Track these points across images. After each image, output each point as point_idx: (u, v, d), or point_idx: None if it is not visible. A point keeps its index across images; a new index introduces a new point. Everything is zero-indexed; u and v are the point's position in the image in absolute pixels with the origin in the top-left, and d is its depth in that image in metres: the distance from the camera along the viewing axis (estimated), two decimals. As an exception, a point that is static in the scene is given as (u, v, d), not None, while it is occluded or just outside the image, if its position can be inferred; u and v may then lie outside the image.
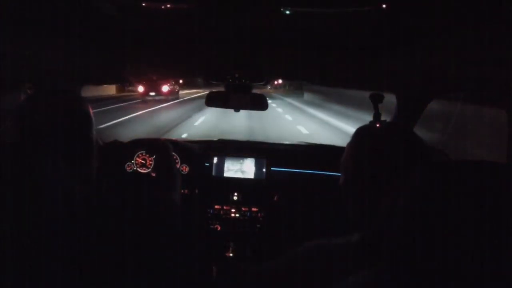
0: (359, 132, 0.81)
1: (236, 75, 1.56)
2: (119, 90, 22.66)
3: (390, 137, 0.75)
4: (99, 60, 1.32)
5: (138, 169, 1.89)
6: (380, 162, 0.72)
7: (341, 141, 1.38)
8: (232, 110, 1.73)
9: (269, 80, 1.81)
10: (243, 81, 1.60)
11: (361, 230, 0.77)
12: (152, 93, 16.34)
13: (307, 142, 2.32)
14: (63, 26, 0.96)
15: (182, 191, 1.80)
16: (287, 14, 0.94)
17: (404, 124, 1.43)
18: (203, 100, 1.78)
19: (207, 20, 1.04)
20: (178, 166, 1.88)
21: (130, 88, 21.50)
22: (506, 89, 0.83)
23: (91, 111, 0.83)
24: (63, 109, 0.76)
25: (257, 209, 1.85)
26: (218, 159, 1.92)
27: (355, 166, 0.77)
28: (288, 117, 12.47)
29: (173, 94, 18.61)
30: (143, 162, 1.90)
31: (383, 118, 1.40)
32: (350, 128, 7.43)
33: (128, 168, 1.89)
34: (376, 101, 1.43)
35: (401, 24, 0.93)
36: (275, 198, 1.85)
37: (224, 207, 1.86)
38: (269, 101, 2.26)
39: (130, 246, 0.75)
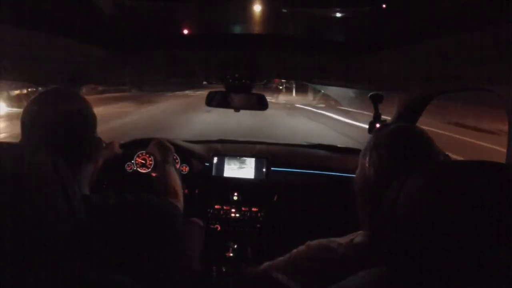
0: (375, 133, 0.82)
1: (236, 75, 1.55)
2: None
3: (391, 137, 0.75)
4: (99, 60, 1.32)
5: (138, 169, 1.89)
6: (382, 162, 0.72)
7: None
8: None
9: (269, 80, 1.81)
10: (243, 81, 1.59)
11: (362, 230, 0.77)
12: None
13: (307, 142, 2.31)
14: (64, 26, 0.96)
15: (182, 190, 1.81)
16: (287, 14, 0.95)
17: (405, 124, 1.43)
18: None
19: (207, 20, 1.04)
20: (178, 166, 1.88)
21: None
22: (506, 89, 0.83)
23: (93, 111, 0.83)
24: (64, 110, 0.76)
25: (257, 209, 1.85)
26: (218, 159, 1.92)
27: (367, 166, 0.77)
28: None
29: None
30: (143, 162, 1.90)
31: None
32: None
33: (128, 168, 1.89)
34: (376, 101, 1.43)
35: (401, 24, 0.93)
36: (275, 198, 1.85)
37: (224, 207, 1.86)
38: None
39: (130, 246, 0.75)
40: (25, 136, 0.74)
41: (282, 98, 20.41)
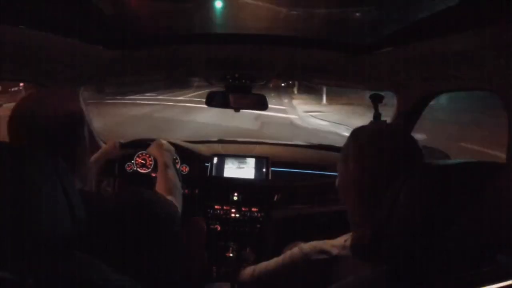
0: (355, 133, 0.79)
1: (236, 75, 1.55)
2: None
3: (385, 137, 0.74)
4: (99, 60, 1.32)
5: (138, 169, 1.89)
6: (377, 162, 0.71)
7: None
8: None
9: (269, 80, 1.81)
10: (243, 81, 1.59)
11: (361, 230, 0.76)
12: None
13: (307, 142, 2.31)
14: (64, 26, 0.96)
15: (182, 191, 1.81)
16: (287, 14, 0.95)
17: (404, 124, 1.43)
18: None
19: (207, 19, 1.04)
20: (178, 166, 1.88)
21: None
22: (506, 89, 0.83)
23: (84, 110, 0.83)
24: (62, 110, 0.76)
25: (257, 209, 1.85)
26: (218, 159, 1.92)
27: (354, 167, 0.76)
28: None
29: None
30: (143, 162, 1.90)
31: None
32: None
33: (128, 168, 1.89)
34: (376, 101, 1.43)
35: (401, 24, 0.93)
36: (275, 198, 1.85)
37: (224, 207, 1.86)
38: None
39: (130, 246, 0.75)
40: (23, 136, 0.73)
41: (304, 108, 11.09)
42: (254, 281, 0.90)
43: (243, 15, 1.03)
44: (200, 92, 16.00)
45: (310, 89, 14.74)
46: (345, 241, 0.74)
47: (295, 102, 13.24)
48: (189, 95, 15.88)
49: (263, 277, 0.87)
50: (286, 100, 13.70)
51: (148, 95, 15.33)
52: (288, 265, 0.80)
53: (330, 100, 12.84)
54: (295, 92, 15.93)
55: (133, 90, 15.18)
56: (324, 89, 13.26)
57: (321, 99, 13.20)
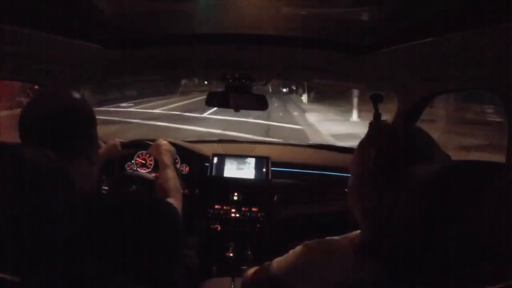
0: (367, 133, 0.81)
1: (236, 75, 1.55)
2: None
3: (385, 137, 0.74)
4: (99, 60, 1.32)
5: (138, 169, 1.89)
6: (377, 162, 0.71)
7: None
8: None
9: (269, 80, 1.81)
10: (243, 81, 1.59)
11: (362, 230, 0.77)
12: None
13: (308, 142, 2.32)
14: (64, 25, 0.96)
15: (182, 191, 1.81)
16: (287, 14, 0.95)
17: (404, 124, 1.43)
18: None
19: (207, 19, 1.04)
20: (178, 166, 1.88)
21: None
22: (506, 89, 0.83)
23: (90, 109, 0.84)
24: (56, 105, 0.76)
25: (257, 209, 1.85)
26: (218, 159, 1.92)
27: (353, 167, 0.76)
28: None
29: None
30: (143, 162, 1.90)
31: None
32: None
33: (128, 168, 1.89)
34: (376, 101, 1.43)
35: (400, 24, 0.93)
36: (275, 198, 1.85)
37: (224, 207, 1.86)
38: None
39: (130, 246, 0.75)
40: (25, 137, 0.74)
41: (329, 130, 8.09)
42: (257, 284, 0.89)
43: (242, 15, 1.03)
44: (184, 102, 14.88)
45: (323, 96, 10.48)
46: (352, 240, 0.73)
47: (310, 117, 9.23)
48: (171, 105, 14.19)
49: (266, 279, 0.87)
50: (296, 113, 9.97)
51: (124, 105, 14.35)
52: (294, 263, 0.80)
53: (361, 113, 8.52)
54: (304, 100, 11.82)
55: (115, 99, 14.31)
56: (355, 99, 8.69)
57: (350, 113, 8.86)
